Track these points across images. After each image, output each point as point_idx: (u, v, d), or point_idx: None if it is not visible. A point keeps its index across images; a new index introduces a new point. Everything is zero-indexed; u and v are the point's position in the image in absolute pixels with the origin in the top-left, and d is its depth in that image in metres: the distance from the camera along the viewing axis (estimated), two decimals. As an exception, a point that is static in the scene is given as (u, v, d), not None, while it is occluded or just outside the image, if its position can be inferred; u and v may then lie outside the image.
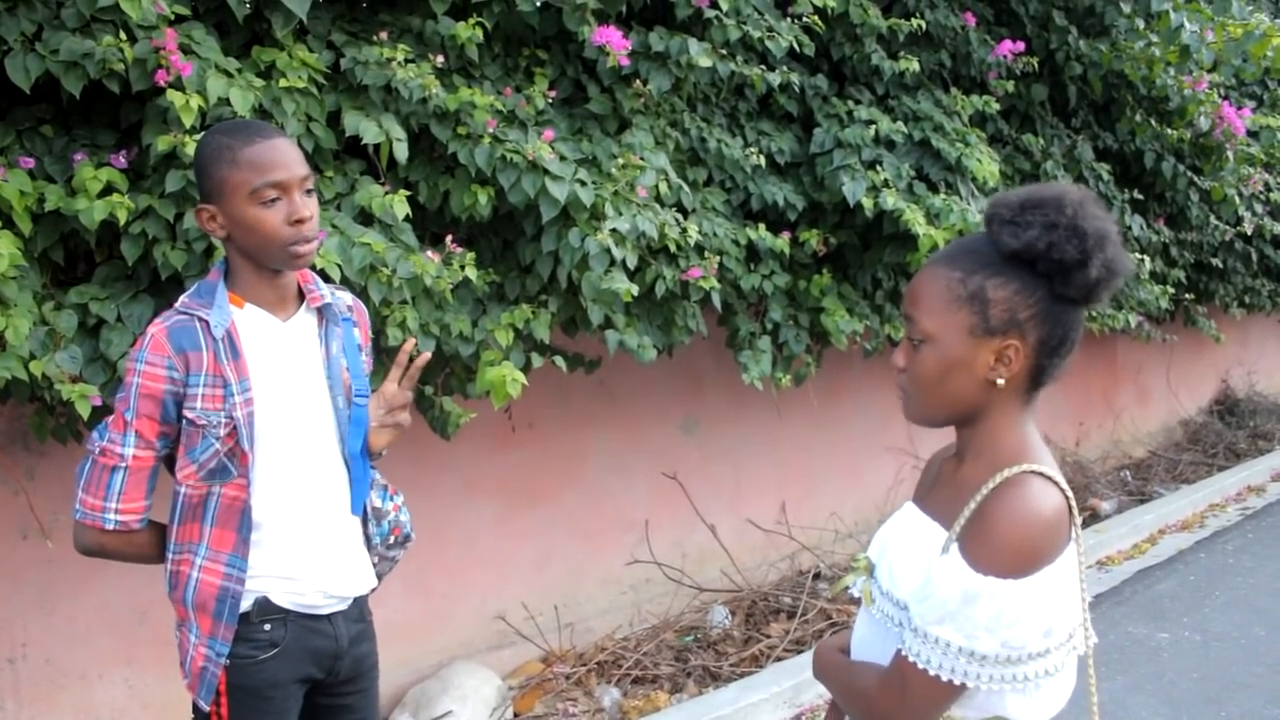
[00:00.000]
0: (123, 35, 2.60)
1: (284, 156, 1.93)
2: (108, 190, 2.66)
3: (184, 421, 1.92)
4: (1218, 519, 7.13)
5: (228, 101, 2.68)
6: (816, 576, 5.58)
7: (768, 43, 3.76)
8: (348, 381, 2.12)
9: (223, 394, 1.92)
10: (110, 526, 1.92)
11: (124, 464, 1.90)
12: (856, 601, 1.61)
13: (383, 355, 2.98)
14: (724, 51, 3.72)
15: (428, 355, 2.22)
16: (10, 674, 3.42)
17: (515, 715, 4.31)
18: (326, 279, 2.45)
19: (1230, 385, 10.54)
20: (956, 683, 1.34)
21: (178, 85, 2.61)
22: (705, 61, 3.57)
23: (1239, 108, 5.81)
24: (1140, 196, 6.02)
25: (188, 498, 1.97)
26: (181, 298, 1.99)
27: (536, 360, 3.42)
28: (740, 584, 5.44)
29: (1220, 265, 7.22)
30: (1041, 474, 1.39)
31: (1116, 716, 4.10)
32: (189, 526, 1.98)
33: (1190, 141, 5.93)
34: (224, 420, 1.92)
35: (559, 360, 3.51)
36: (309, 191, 1.96)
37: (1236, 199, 6.22)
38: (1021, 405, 1.45)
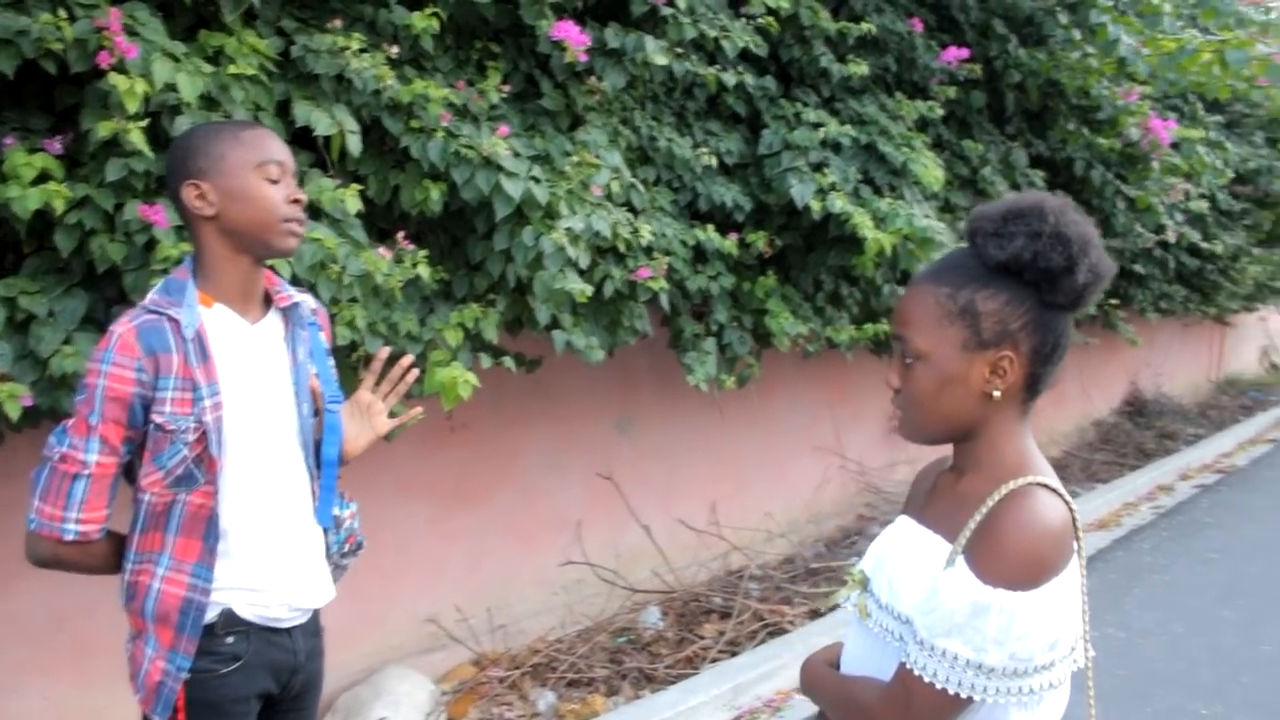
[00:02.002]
0: (61, 13, 2.45)
1: (281, 145, 1.92)
2: (42, 178, 2.51)
3: (151, 426, 1.82)
4: (1133, 518, 7.33)
5: (174, 87, 2.54)
6: (743, 577, 5.59)
7: (723, 42, 3.72)
8: (315, 387, 2.05)
9: (192, 398, 1.83)
10: (70, 538, 1.81)
11: (86, 471, 1.79)
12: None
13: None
14: (679, 50, 3.66)
15: (410, 358, 2.16)
16: (-82, 685, 3.25)
17: (449, 720, 4.23)
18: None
19: (1139, 387, 10.88)
20: (963, 696, 1.33)
21: (121, 69, 2.47)
22: (661, 60, 3.52)
23: (1164, 119, 5.94)
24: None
25: (151, 506, 1.86)
26: (150, 295, 1.89)
27: (486, 361, 3.33)
28: (672, 584, 5.42)
29: (1140, 271, 7.41)
30: (1046, 485, 1.39)
31: None
32: (151, 535, 1.88)
33: (1118, 151, 6.06)
34: (193, 425, 1.83)
35: (508, 361, 3.43)
36: (299, 184, 1.96)
37: (1160, 208, 6.38)
38: (1018, 416, 1.45)
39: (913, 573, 1.45)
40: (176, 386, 1.82)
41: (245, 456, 1.91)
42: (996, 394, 1.41)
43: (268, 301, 2.02)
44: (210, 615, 1.90)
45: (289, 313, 2.02)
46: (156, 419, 1.81)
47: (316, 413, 2.07)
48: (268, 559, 1.96)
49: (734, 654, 4.73)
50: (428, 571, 4.53)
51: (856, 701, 1.47)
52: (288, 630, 2.02)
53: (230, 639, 1.92)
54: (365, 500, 4.02)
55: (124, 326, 1.82)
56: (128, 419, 1.80)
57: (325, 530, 2.12)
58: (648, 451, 5.48)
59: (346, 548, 2.21)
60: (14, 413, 2.45)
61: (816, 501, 6.63)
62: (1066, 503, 1.39)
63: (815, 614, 5.18)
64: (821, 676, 1.59)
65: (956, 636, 1.33)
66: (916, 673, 1.36)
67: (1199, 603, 5.55)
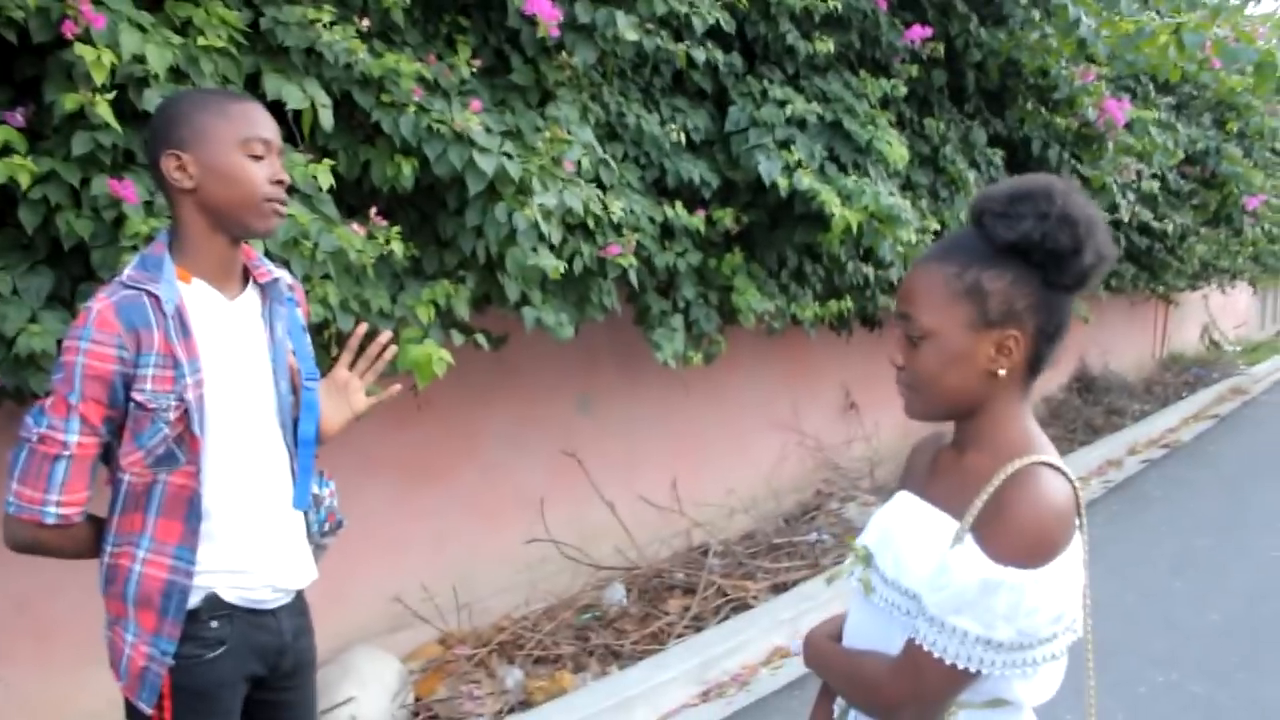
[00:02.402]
0: (24, -20, 2.38)
1: (269, 120, 1.86)
2: (4, 151, 2.44)
3: (131, 405, 1.78)
4: (1084, 492, 7.40)
5: (142, 59, 2.48)
6: (706, 553, 5.63)
7: (692, 18, 3.70)
8: (292, 365, 2.01)
9: (173, 375, 1.79)
10: (50, 521, 1.77)
11: (67, 452, 1.74)
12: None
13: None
14: (649, 27, 3.64)
15: (389, 334, 2.12)
16: (-128, 671, 3.18)
17: (417, 699, 4.22)
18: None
19: (1087, 363, 11.05)
20: (971, 670, 1.37)
21: (87, 39, 2.40)
22: (632, 35, 3.50)
23: (1118, 100, 6.03)
24: (1027, 182, 6.21)
25: (131, 486, 1.82)
26: (126, 270, 1.84)
27: (458, 338, 3.31)
28: (635, 560, 5.44)
29: (1092, 249, 7.51)
30: (1050, 464, 1.41)
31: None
32: (130, 517, 1.83)
33: (1074, 131, 6.14)
34: (174, 403, 1.79)
35: (481, 338, 3.41)
36: (282, 163, 1.89)
37: (1113, 187, 6.48)
38: (1021, 394, 1.47)
39: (919, 549, 1.47)
40: (157, 364, 1.78)
41: (226, 435, 1.88)
42: (1001, 372, 1.43)
43: (246, 277, 1.98)
44: (194, 600, 1.86)
45: (267, 289, 1.99)
46: (137, 397, 1.77)
47: (294, 391, 2.03)
48: (250, 540, 1.94)
49: (699, 629, 4.76)
50: (392, 550, 4.50)
51: (865, 675, 1.49)
52: (272, 611, 1.99)
53: (214, 623, 1.89)
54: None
55: (102, 302, 1.77)
56: (108, 398, 1.76)
57: (304, 510, 2.08)
58: (609, 428, 5.48)
59: (326, 526, 2.18)
60: (-20, 391, 2.39)
61: (775, 477, 6.67)
62: (1069, 480, 1.41)
63: (779, 588, 5.22)
64: (827, 651, 1.60)
65: (967, 613, 1.35)
66: (926, 648, 1.38)
67: (1150, 574, 5.68)
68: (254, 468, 1.94)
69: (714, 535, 5.84)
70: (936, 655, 1.37)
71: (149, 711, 1.86)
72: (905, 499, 1.58)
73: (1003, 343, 1.41)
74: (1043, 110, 6.06)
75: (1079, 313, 8.19)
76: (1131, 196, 7.07)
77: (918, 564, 1.46)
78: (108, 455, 1.85)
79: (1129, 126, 6.29)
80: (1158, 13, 5.92)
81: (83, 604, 3.52)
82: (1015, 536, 1.34)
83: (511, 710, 4.12)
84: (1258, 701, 4.14)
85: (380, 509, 4.46)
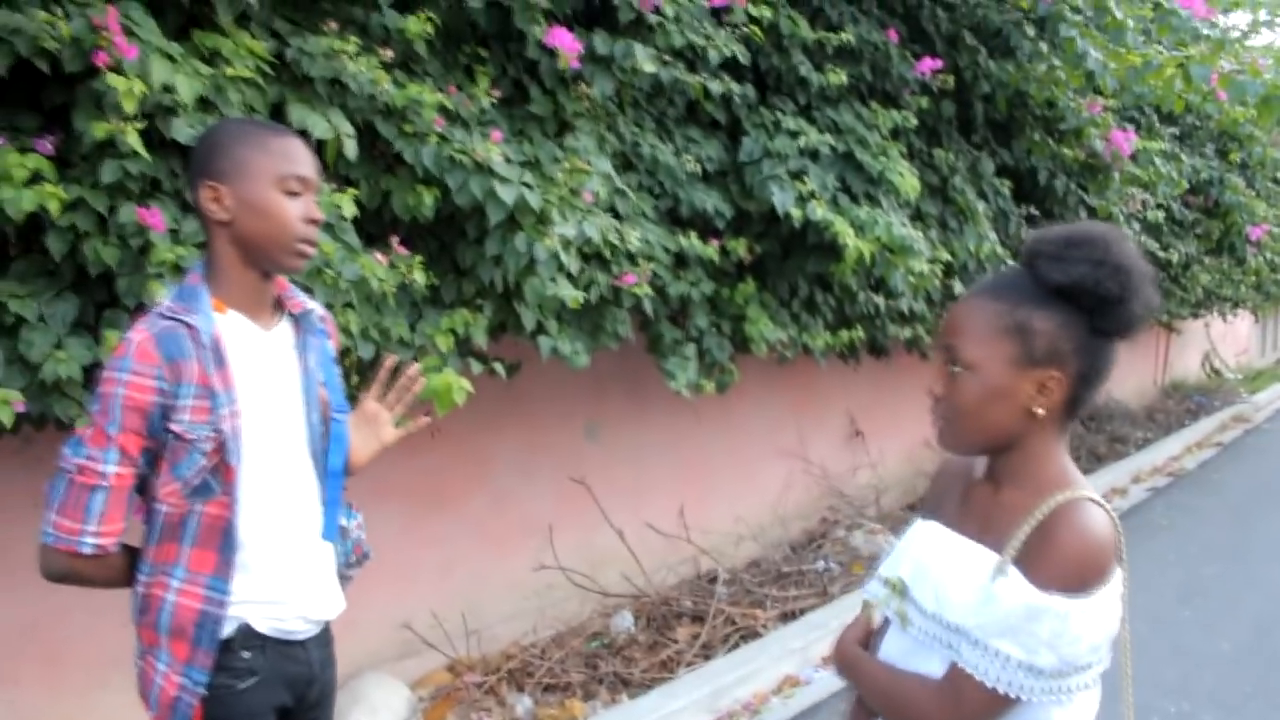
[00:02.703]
0: (57, 11, 2.41)
1: (308, 156, 1.86)
2: (34, 179, 2.46)
3: (169, 436, 1.78)
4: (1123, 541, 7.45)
5: (171, 89, 2.51)
6: (714, 580, 5.62)
7: (709, 51, 3.74)
8: (323, 396, 2.02)
9: (209, 406, 1.79)
10: (87, 551, 1.77)
11: (105, 483, 1.75)
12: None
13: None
14: (666, 58, 3.68)
15: (418, 367, 2.13)
16: (-117, 695, 3.17)
17: (426, 726, 4.21)
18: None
19: (1089, 392, 11.06)
20: (1011, 695, 1.40)
21: (118, 69, 2.43)
22: (650, 67, 3.53)
23: (1124, 131, 6.08)
24: (1035, 212, 6.26)
25: (166, 516, 1.83)
26: (164, 301, 1.85)
27: (476, 366, 3.33)
28: (643, 588, 5.43)
29: (1097, 279, 7.55)
30: (1093, 499, 1.44)
31: None
32: (166, 547, 1.84)
33: (1080, 161, 6.18)
34: (211, 434, 1.80)
35: (499, 367, 3.42)
36: (318, 201, 1.89)
37: (1119, 217, 6.52)
38: (1058, 433, 1.50)
39: (959, 582, 1.48)
40: (195, 395, 1.79)
41: (260, 466, 1.89)
42: (1040, 412, 1.45)
43: (279, 307, 1.99)
44: (226, 630, 1.87)
45: (300, 319, 2.00)
46: (175, 428, 1.78)
47: (323, 422, 2.03)
48: (283, 571, 1.94)
49: (708, 658, 4.75)
50: (402, 577, 4.50)
51: (905, 694, 1.51)
52: (302, 643, 2.00)
53: (247, 654, 1.89)
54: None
55: (141, 334, 1.77)
56: (147, 429, 1.77)
57: (332, 541, 2.08)
58: (617, 456, 5.48)
59: (353, 558, 2.19)
60: (7, 419, 2.40)
61: (782, 505, 6.67)
62: (1110, 515, 1.45)
63: (787, 616, 5.22)
64: (863, 661, 1.62)
65: (1010, 638, 1.39)
66: (969, 671, 1.42)
67: (1159, 603, 5.67)
68: (286, 499, 1.94)
69: (721, 563, 5.84)
70: (978, 679, 1.40)
71: None
72: (937, 531, 1.59)
73: (1045, 382, 1.44)
74: (1050, 141, 6.11)
75: (1110, 366, 8.19)
76: (1137, 226, 7.11)
77: (959, 596, 1.47)
78: (143, 485, 1.85)
79: (1134, 157, 6.34)
80: (1161, 44, 5.97)
81: (90, 629, 3.54)
82: (1061, 565, 1.38)
83: (522, 738, 4.11)
84: (1271, 733, 4.14)
85: (390, 535, 4.46)
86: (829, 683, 4.56)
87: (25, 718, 3.47)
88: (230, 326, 1.87)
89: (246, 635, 1.89)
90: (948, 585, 1.50)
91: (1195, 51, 5.19)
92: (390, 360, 2.12)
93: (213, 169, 1.82)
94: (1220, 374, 15.33)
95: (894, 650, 1.59)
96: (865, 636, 1.65)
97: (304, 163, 1.85)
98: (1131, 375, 12.38)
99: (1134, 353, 12.39)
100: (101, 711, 3.62)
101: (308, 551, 1.99)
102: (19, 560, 3.35)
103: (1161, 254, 7.94)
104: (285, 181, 1.82)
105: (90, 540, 1.76)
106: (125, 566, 1.89)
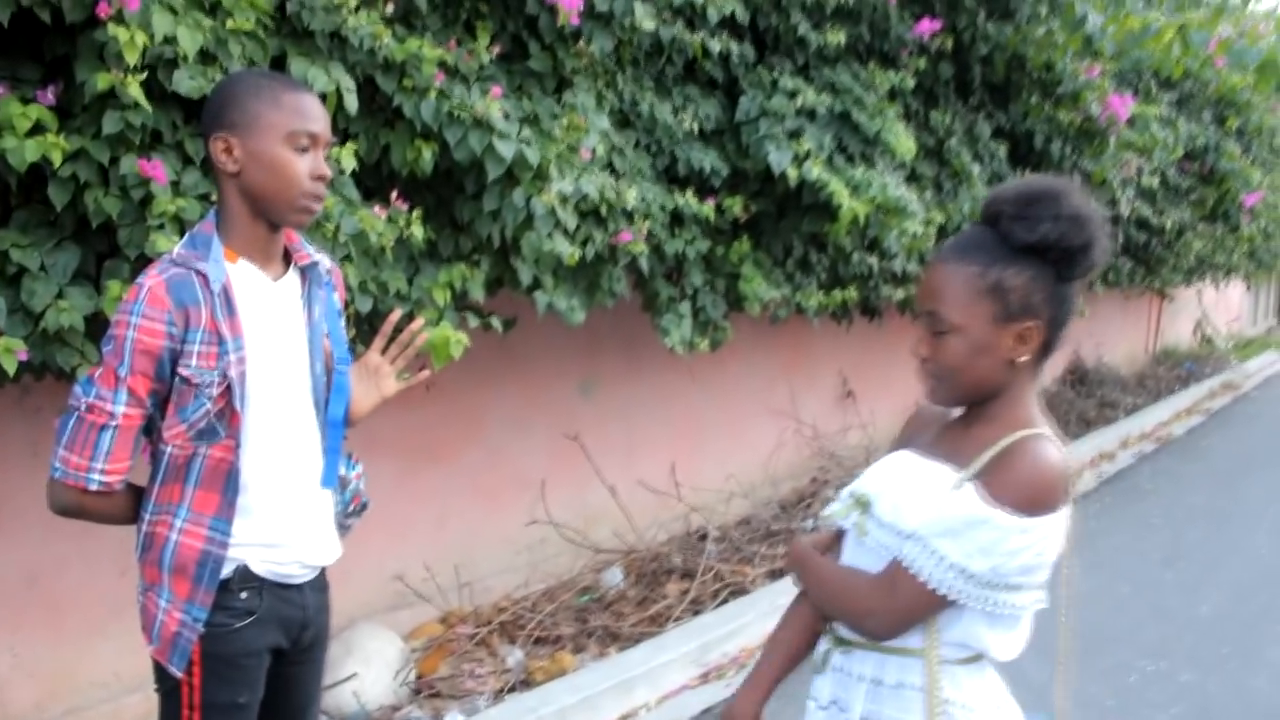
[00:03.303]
0: (58, -39, 2.41)
1: (320, 112, 1.89)
2: (36, 129, 2.48)
3: (176, 379, 1.83)
4: (1076, 485, 7.52)
5: (173, 40, 2.52)
6: (704, 537, 5.69)
7: (708, 8, 3.74)
8: (326, 347, 2.06)
9: (217, 351, 1.84)
10: (94, 487, 1.82)
11: (114, 423, 1.80)
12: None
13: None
14: (665, 16, 3.69)
15: (420, 321, 2.18)
16: (-112, 641, 3.23)
17: (419, 676, 4.27)
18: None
19: (1081, 356, 11.13)
20: (940, 592, 1.52)
21: (120, 19, 2.44)
22: (649, 24, 3.55)
23: (1121, 96, 6.08)
24: (1031, 175, 6.28)
25: (172, 458, 1.88)
26: (175, 248, 1.90)
27: (472, 320, 3.36)
28: (634, 544, 5.50)
29: (1091, 244, 7.57)
30: (1052, 440, 1.56)
31: (1003, 670, 4.32)
32: (170, 487, 1.90)
33: (1076, 126, 6.19)
34: (218, 379, 1.85)
35: (495, 322, 3.46)
36: (327, 156, 1.92)
37: (1114, 182, 6.54)
38: (1033, 377, 1.63)
39: (919, 495, 1.59)
40: (203, 340, 1.83)
41: (264, 412, 1.93)
42: (1021, 359, 1.56)
43: (288, 258, 2.03)
44: (225, 571, 1.92)
45: (308, 271, 2.04)
46: (183, 372, 1.82)
47: (326, 373, 2.07)
48: (283, 516, 1.99)
49: (697, 613, 4.83)
50: (395, 530, 4.56)
51: (845, 586, 1.65)
52: (298, 586, 2.05)
53: (244, 594, 1.95)
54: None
55: (153, 279, 1.82)
56: (155, 372, 1.81)
57: (331, 489, 2.13)
58: (610, 413, 5.54)
59: (351, 508, 2.23)
60: (10, 367, 2.43)
61: (772, 464, 6.74)
62: (1065, 457, 1.56)
63: (775, 574, 5.29)
64: (810, 558, 1.74)
65: (950, 539, 1.51)
66: (906, 565, 1.55)
67: (1142, 566, 5.76)
68: (288, 445, 1.99)
69: (712, 520, 5.90)
70: (913, 573, 1.53)
71: (179, 675, 1.92)
72: (907, 456, 1.70)
73: (1022, 333, 1.55)
74: (1046, 104, 6.12)
75: (1076, 308, 8.26)
76: (1131, 192, 7.13)
77: (916, 508, 1.58)
78: (150, 427, 1.90)
79: (1131, 122, 6.34)
80: (1160, 9, 5.96)
81: (89, 578, 3.59)
82: (1011, 486, 1.50)
83: (512, 689, 4.18)
84: (1246, 691, 4.22)
85: (385, 489, 4.49)
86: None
87: (27, 664, 3.53)
88: (240, 275, 1.91)
89: (244, 576, 1.95)
90: (906, 498, 1.61)
91: (1195, 17, 5.19)
92: (394, 315, 2.17)
93: (225, 120, 1.85)
94: (1212, 341, 15.40)
95: (850, 559, 1.70)
96: (822, 547, 1.76)
97: (315, 119, 1.88)
98: (1123, 341, 12.44)
99: (1126, 319, 12.44)
100: (100, 658, 3.68)
101: (307, 498, 2.04)
102: (19, 509, 3.41)
103: (1155, 220, 7.96)
104: (295, 137, 1.85)
105: (97, 477, 1.81)
106: (129, 504, 1.94)
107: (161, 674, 1.97)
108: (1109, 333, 11.73)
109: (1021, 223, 1.51)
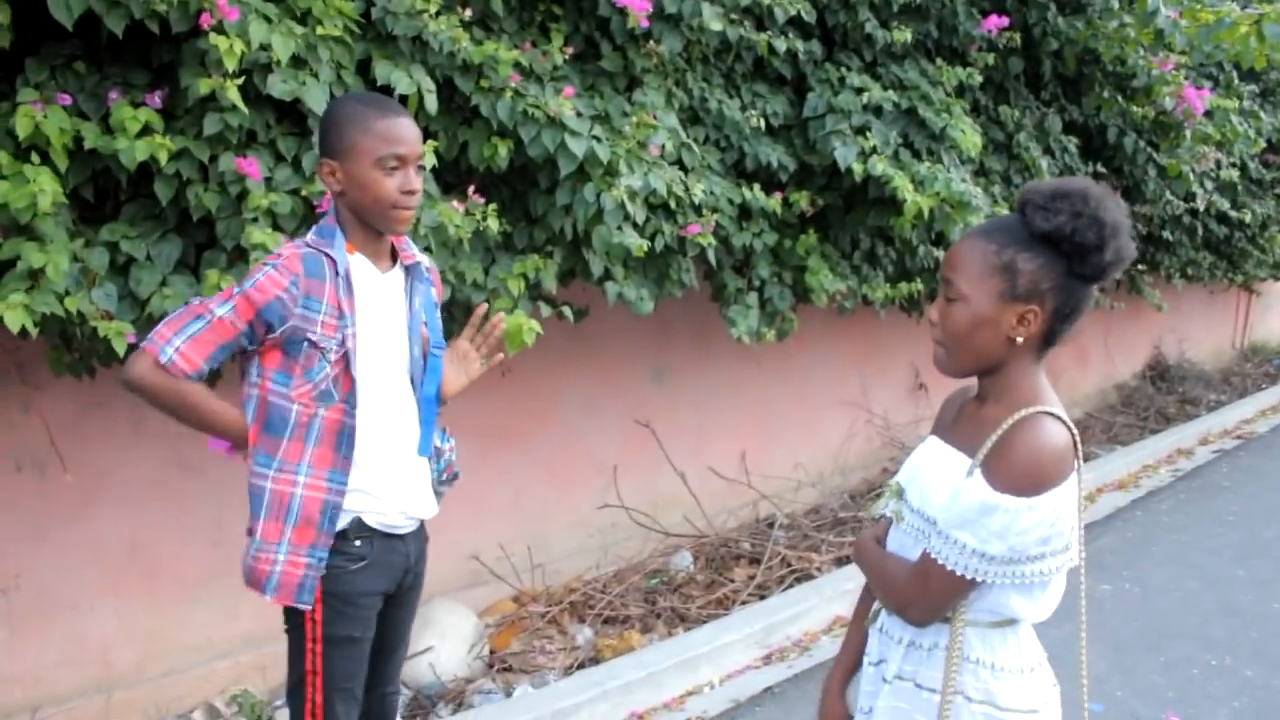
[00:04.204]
0: (166, -25, 2.61)
1: (409, 134, 2.15)
2: (145, 130, 2.69)
3: (305, 344, 2.10)
4: (1151, 479, 7.48)
5: (267, 47, 2.72)
6: (772, 525, 5.79)
7: (775, 8, 3.85)
8: (424, 334, 2.34)
9: (338, 324, 2.12)
10: (164, 360, 2.06)
11: (210, 317, 2.06)
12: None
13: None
14: (733, 16, 3.80)
15: (501, 316, 2.46)
16: (4, 603, 3.48)
17: (491, 651, 4.45)
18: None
19: (1162, 352, 10.95)
20: (968, 577, 1.63)
21: (220, 29, 2.64)
22: (716, 25, 3.67)
23: (1198, 88, 6.02)
24: (1103, 170, 6.26)
25: (298, 416, 2.14)
26: (309, 235, 2.18)
27: (545, 310, 3.52)
28: (703, 529, 5.63)
29: (1168, 238, 7.50)
30: (1053, 414, 1.65)
31: (1063, 660, 4.36)
32: (294, 445, 2.15)
33: (1151, 119, 6.15)
34: (337, 346, 2.12)
35: (567, 311, 3.61)
36: (419, 168, 2.19)
37: (1190, 175, 6.47)
38: (1035, 359, 1.72)
39: (940, 482, 1.72)
40: (328, 312, 2.11)
41: (371, 383, 2.21)
42: (1019, 340, 1.66)
43: (393, 255, 2.31)
44: (342, 522, 2.19)
45: (410, 268, 2.32)
46: (311, 337, 2.10)
47: (423, 356, 2.36)
48: (388, 474, 2.26)
49: (763, 597, 4.93)
50: (472, 510, 4.73)
51: (891, 575, 1.78)
52: (402, 536, 2.32)
53: (359, 542, 2.23)
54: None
55: (292, 249, 2.12)
56: (261, 312, 2.07)
57: (427, 457, 2.40)
58: (681, 400, 5.66)
59: (444, 476, 2.52)
60: (120, 348, 2.64)
61: (843, 454, 6.81)
62: (1069, 429, 1.65)
63: (842, 561, 5.37)
64: (868, 550, 1.88)
65: (967, 530, 1.62)
66: (933, 556, 1.67)
67: (1214, 562, 5.72)
68: (390, 414, 2.27)
69: (780, 508, 6.00)
70: (940, 562, 1.65)
71: (307, 609, 2.19)
72: (933, 442, 1.84)
73: (1024, 315, 1.65)
74: (1119, 98, 6.09)
75: (1153, 301, 8.20)
76: (1209, 185, 7.04)
77: (937, 494, 1.71)
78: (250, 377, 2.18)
79: (1209, 115, 6.27)
80: (1240, 2, 5.89)
81: (183, 549, 3.83)
82: (1013, 471, 1.60)
83: (581, 665, 4.34)
84: (1311, 687, 4.21)
85: (463, 470, 4.69)
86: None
87: (128, 626, 3.78)
88: (356, 265, 2.20)
89: (359, 527, 2.23)
90: (931, 485, 1.74)
91: (1272, 9, 5.13)
92: (481, 308, 2.47)
93: (328, 147, 2.15)
94: (1303, 338, 14.98)
95: (893, 545, 1.84)
96: (881, 534, 1.90)
97: (402, 142, 2.14)
98: (1209, 337, 12.19)
99: (1211, 315, 12.19)
100: (192, 623, 3.92)
101: (407, 461, 2.31)
102: (123, 480, 3.65)
103: (1234, 213, 7.84)
104: (383, 162, 2.12)
105: (171, 352, 2.05)
106: (193, 407, 2.15)
107: (289, 614, 2.25)
108: (1193, 328, 11.52)
109: (1042, 212, 1.60)
